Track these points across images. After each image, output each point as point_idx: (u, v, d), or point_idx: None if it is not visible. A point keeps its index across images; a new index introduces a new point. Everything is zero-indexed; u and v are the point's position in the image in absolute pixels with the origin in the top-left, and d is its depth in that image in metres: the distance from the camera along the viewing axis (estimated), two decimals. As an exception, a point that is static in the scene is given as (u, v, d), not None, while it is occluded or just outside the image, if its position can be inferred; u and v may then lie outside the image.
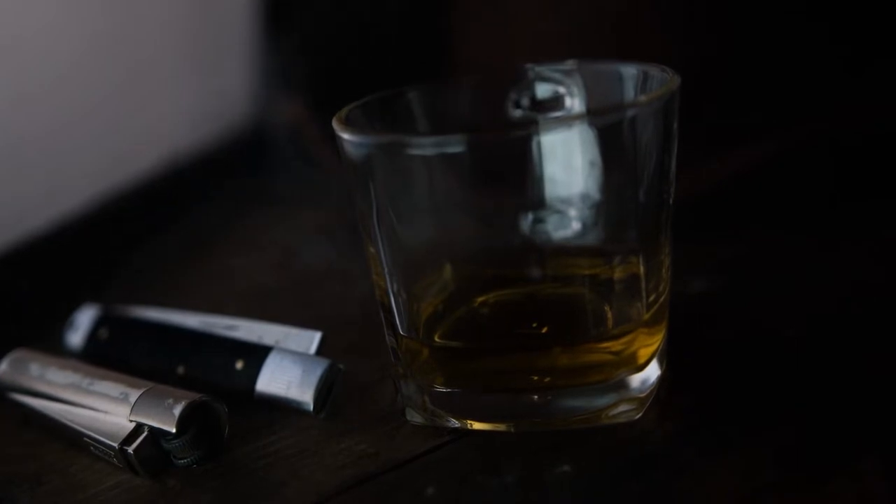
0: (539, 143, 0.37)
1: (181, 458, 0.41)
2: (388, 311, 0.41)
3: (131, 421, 0.41)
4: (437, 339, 0.41)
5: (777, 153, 0.63)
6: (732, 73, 0.65)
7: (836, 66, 0.66)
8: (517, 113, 0.45)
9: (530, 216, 0.40)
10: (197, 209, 0.67)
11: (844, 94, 0.65)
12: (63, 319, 0.51)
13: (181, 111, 0.71)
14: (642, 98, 0.39)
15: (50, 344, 0.49)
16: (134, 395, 0.41)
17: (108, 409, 0.42)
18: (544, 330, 0.41)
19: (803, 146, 0.63)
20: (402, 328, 0.41)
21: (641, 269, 0.39)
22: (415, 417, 0.41)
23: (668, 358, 0.42)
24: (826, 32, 0.66)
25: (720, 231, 0.55)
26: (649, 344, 0.40)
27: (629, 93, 0.42)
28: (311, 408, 0.42)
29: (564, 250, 0.42)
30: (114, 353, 0.49)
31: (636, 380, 0.39)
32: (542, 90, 0.44)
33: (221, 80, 0.75)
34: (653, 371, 0.40)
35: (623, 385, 0.39)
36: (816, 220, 0.56)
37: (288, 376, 0.43)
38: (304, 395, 0.42)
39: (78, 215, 0.61)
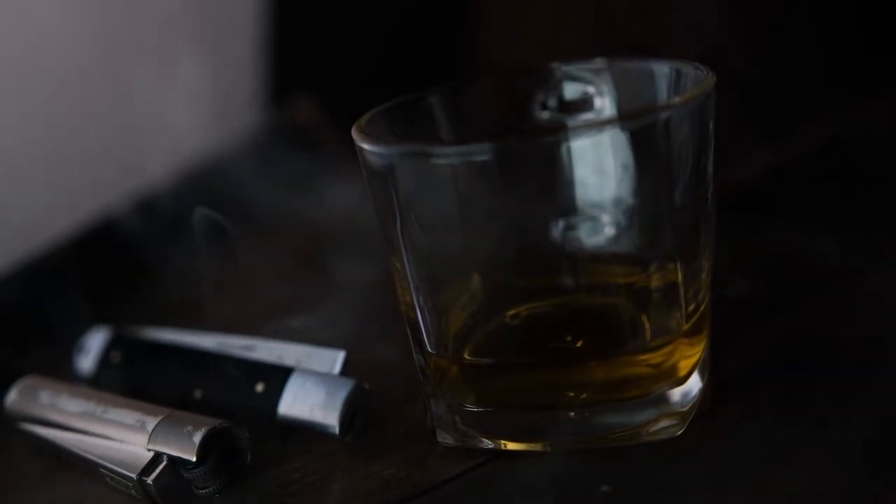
0: (569, 148, 0.37)
1: (202, 488, 0.41)
2: (415, 326, 0.41)
3: (149, 450, 0.41)
4: (466, 355, 0.42)
5: (819, 147, 0.63)
6: (767, 63, 0.65)
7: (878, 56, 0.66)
8: (545, 115, 0.45)
9: (561, 223, 0.41)
10: (208, 219, 0.68)
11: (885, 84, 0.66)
12: (72, 343, 0.51)
13: (189, 115, 0.71)
14: (676, 99, 0.39)
15: (59, 369, 0.50)
16: (151, 422, 0.42)
17: (123, 438, 0.42)
18: (579, 343, 0.42)
19: (848, 139, 0.63)
20: (429, 345, 0.41)
21: (679, 276, 0.39)
22: (446, 438, 0.42)
23: (710, 369, 0.42)
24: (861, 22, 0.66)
25: (762, 229, 0.55)
26: (690, 355, 0.40)
27: (662, 92, 0.42)
28: (337, 431, 0.43)
29: (598, 258, 0.42)
30: (127, 378, 0.49)
31: (677, 393, 0.40)
32: (571, 90, 0.45)
33: (230, 83, 0.76)
34: (694, 384, 0.41)
35: (663, 399, 0.40)
36: (865, 216, 0.55)
37: (311, 398, 0.43)
38: (329, 417, 0.43)
39: (85, 230, 0.62)
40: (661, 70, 0.42)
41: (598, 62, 0.44)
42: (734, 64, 0.47)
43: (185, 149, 0.70)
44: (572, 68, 0.45)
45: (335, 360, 0.45)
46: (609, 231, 0.41)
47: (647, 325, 0.40)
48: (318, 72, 0.78)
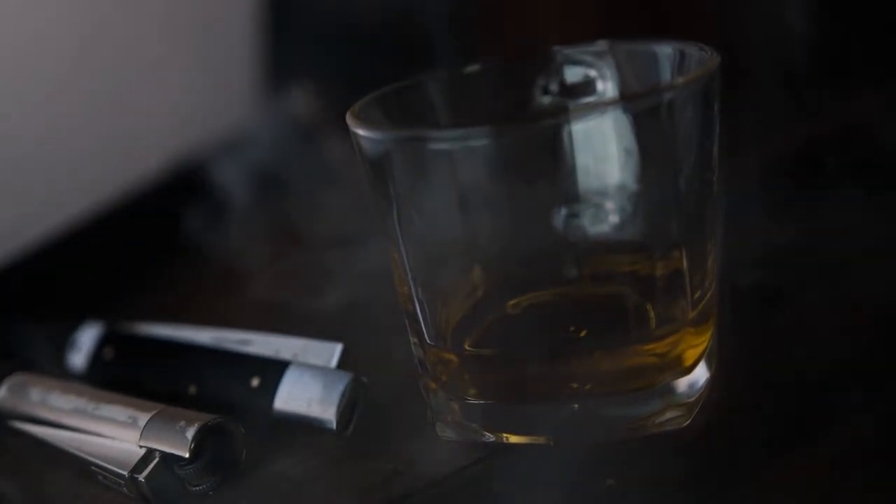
0: (570, 132, 0.37)
1: (196, 485, 0.41)
2: (414, 319, 0.41)
3: (141, 447, 0.41)
4: (467, 347, 0.42)
5: (834, 131, 0.63)
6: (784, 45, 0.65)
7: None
8: (546, 99, 0.45)
9: (563, 211, 0.40)
10: (204, 215, 0.68)
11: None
12: (64, 339, 0.51)
13: (185, 112, 0.71)
14: (680, 80, 0.39)
15: (51, 366, 0.50)
16: (143, 418, 0.42)
17: (115, 435, 0.42)
18: (582, 333, 0.41)
19: (862, 122, 0.63)
20: (429, 337, 0.41)
21: (685, 263, 0.39)
22: (446, 433, 0.42)
23: (717, 359, 0.42)
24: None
25: (773, 215, 0.55)
26: (696, 344, 0.40)
27: (665, 74, 0.42)
28: (335, 426, 0.43)
29: (601, 246, 0.41)
30: (120, 374, 0.49)
31: (683, 384, 0.39)
32: (572, 74, 0.44)
33: (226, 76, 0.76)
34: (701, 373, 0.40)
35: (669, 390, 0.39)
36: (887, 202, 0.55)
37: (308, 393, 0.43)
38: (327, 412, 0.43)
39: (77, 226, 0.61)
40: (665, 52, 0.42)
41: (600, 45, 0.44)
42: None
43: (184, 145, 0.70)
44: (574, 51, 0.44)
45: (332, 353, 0.45)
46: (612, 218, 0.40)
47: (652, 314, 0.40)
48: (318, 62, 0.78)
